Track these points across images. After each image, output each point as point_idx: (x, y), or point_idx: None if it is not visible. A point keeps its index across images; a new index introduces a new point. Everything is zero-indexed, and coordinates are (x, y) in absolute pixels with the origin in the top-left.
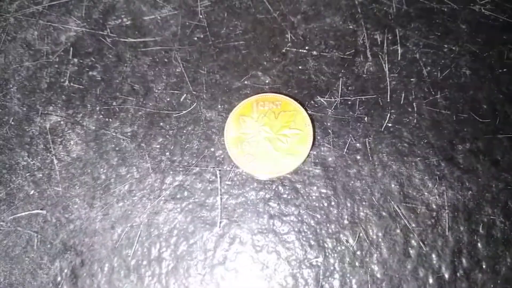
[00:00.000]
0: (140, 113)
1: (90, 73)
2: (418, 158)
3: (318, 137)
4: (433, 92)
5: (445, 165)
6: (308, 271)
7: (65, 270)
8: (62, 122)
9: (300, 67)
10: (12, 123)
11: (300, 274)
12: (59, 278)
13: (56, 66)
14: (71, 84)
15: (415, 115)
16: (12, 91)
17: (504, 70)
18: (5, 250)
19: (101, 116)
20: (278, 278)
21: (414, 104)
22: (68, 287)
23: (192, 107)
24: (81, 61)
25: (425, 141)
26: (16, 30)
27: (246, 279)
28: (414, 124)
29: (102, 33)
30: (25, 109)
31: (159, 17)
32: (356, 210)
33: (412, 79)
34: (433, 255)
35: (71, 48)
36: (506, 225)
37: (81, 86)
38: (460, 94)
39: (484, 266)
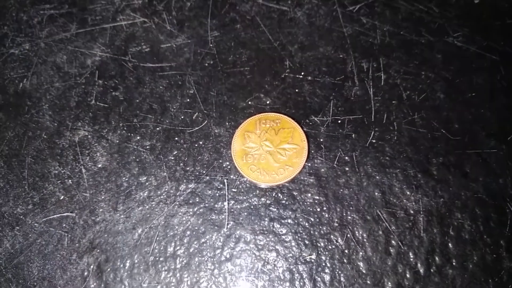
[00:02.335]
0: (158, 129)
1: (114, 93)
2: (398, 170)
3: (312, 151)
4: (411, 113)
5: (421, 176)
6: (303, 267)
7: (92, 266)
8: (89, 136)
9: (297, 90)
10: (45, 136)
11: (296, 269)
12: (86, 273)
13: (83, 87)
14: (97, 103)
15: (396, 132)
16: (44, 109)
17: (473, 94)
18: (39, 248)
19: (123, 131)
20: (277, 272)
21: (395, 123)
22: (94, 280)
23: (203, 124)
24: (105, 83)
25: (404, 155)
26: (47, 54)
27: (250, 273)
28: (395, 140)
29: (124, 58)
30: (56, 124)
31: (174, 45)
32: (344, 214)
33: (393, 102)
34: (410, 253)
35: (97, 71)
36: (473, 228)
37: (105, 105)
38: (435, 114)
39: (454, 263)
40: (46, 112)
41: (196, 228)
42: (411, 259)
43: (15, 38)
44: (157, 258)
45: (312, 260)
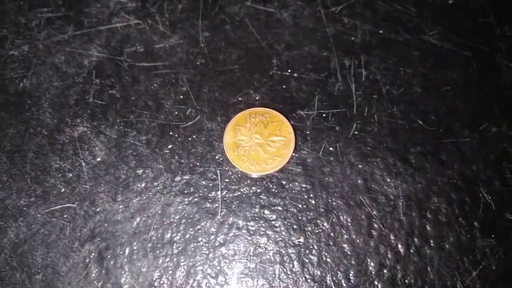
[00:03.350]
0: (153, 124)
1: (110, 91)
2: (379, 159)
3: (299, 143)
4: (390, 106)
5: (400, 164)
6: (292, 250)
7: (93, 253)
8: (88, 132)
9: (284, 86)
10: (45, 133)
11: (286, 252)
12: (88, 260)
13: (81, 85)
14: (95, 100)
15: (376, 124)
16: (44, 106)
17: (448, 88)
18: (42, 237)
19: (121, 127)
20: (268, 255)
21: (375, 116)
22: (96, 267)
23: (196, 119)
24: (102, 81)
25: (384, 145)
26: (46, 55)
27: (242, 257)
28: (376, 132)
29: (119, 58)
30: (56, 121)
31: (167, 46)
32: (330, 200)
33: (374, 96)
34: (391, 235)
35: (94, 71)
36: (449, 211)
37: (103, 102)
38: (413, 107)
39: (432, 244)
40: (46, 110)
41: (191, 216)
42: (392, 241)
43: (15, 40)
44: (155, 245)
45: (301, 243)
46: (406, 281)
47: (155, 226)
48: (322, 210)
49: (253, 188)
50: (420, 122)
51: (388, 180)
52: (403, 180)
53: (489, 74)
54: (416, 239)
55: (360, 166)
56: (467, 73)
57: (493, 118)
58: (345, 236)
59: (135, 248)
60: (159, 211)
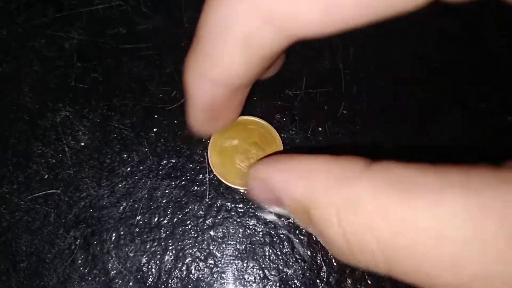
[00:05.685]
0: (137, 107)
1: (93, 75)
2: (367, 137)
3: (287, 123)
4: (379, 85)
5: (389, 142)
6: (281, 230)
7: (79, 239)
8: (70, 116)
9: None
10: (27, 118)
11: (275, 232)
12: (73, 246)
13: (62, 69)
14: (77, 84)
15: (365, 103)
16: (25, 91)
17: (437, 65)
18: (26, 224)
19: (104, 111)
20: (258, 236)
21: (363, 95)
22: (82, 253)
23: (181, 101)
24: (84, 64)
25: (374, 124)
26: (25, 39)
27: (231, 239)
28: (364, 110)
29: (101, 40)
30: (37, 106)
31: (150, 26)
32: None
33: (361, 75)
34: None
35: (75, 54)
36: None
37: (85, 86)
38: (402, 85)
39: None
40: (27, 94)
41: (178, 199)
42: None
43: None
44: (142, 229)
45: (290, 224)
46: None
47: (142, 211)
48: None
49: None
50: (408, 100)
51: (377, 159)
52: (391, 156)
53: (480, 53)
54: None
55: (349, 145)
56: (458, 49)
57: (483, 94)
58: None
59: (121, 233)
60: (146, 195)
